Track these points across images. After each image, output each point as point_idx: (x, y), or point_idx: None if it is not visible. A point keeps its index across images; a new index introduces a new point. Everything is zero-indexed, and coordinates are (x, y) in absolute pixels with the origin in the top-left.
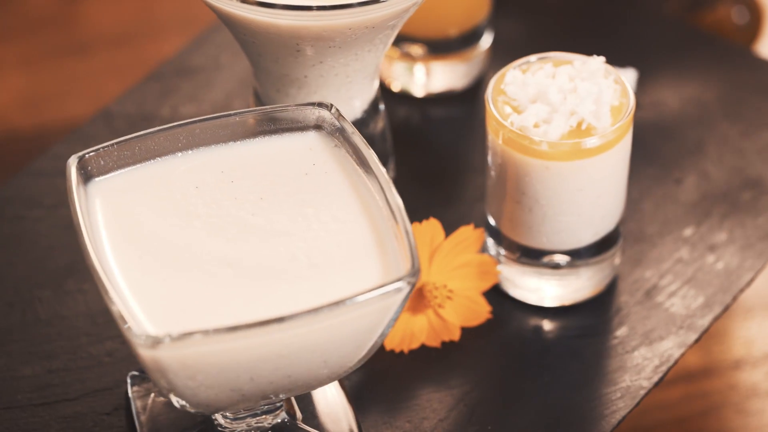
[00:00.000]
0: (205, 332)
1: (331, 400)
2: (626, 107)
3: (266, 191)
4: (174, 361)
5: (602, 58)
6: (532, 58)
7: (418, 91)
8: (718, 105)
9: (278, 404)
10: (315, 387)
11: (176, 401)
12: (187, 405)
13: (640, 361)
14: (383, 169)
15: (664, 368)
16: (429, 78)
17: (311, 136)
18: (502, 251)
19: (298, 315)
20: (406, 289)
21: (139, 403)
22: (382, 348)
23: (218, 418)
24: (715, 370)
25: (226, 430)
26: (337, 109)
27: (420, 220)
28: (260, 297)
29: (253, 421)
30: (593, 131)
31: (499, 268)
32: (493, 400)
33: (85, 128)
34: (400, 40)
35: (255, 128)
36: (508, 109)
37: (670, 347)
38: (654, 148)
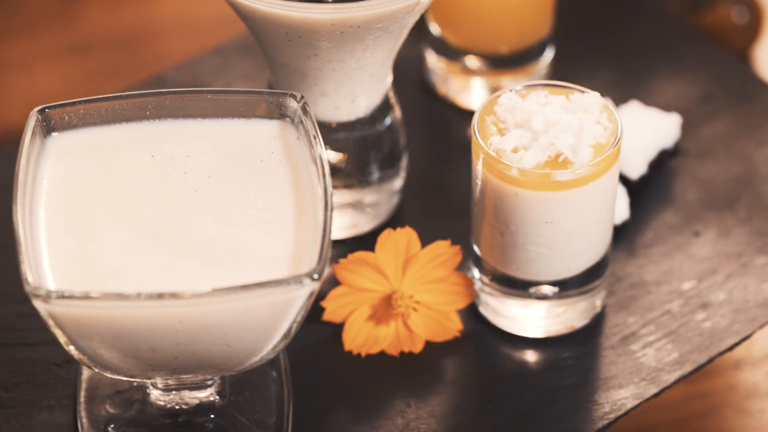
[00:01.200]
0: (90, 295)
1: (267, 389)
2: (610, 147)
3: (217, 171)
4: (67, 318)
5: (596, 94)
6: (538, 83)
7: (475, 105)
8: (766, 166)
9: (208, 383)
10: (232, 370)
11: (77, 357)
12: (91, 363)
13: (590, 405)
14: (328, 170)
15: (612, 416)
16: (486, 93)
17: (277, 124)
18: (478, 273)
19: (180, 293)
20: (307, 287)
21: None
22: (340, 347)
23: (150, 388)
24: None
25: (158, 401)
26: (305, 102)
27: (421, 229)
28: (171, 271)
29: (181, 395)
30: (569, 165)
31: (477, 289)
32: (432, 418)
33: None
34: (460, 53)
35: (225, 109)
36: (494, 129)
37: (626, 397)
38: (683, 196)
